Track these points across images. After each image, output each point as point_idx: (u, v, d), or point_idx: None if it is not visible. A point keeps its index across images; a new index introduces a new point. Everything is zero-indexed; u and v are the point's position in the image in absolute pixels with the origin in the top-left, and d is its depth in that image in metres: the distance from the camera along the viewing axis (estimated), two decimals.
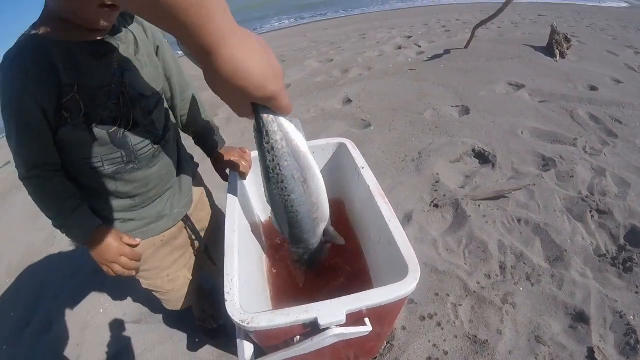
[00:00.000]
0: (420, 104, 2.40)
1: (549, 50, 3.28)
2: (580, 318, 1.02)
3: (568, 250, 1.21)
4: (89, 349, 1.18)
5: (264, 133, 0.61)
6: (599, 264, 1.18)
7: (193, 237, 0.91)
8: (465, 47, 3.63)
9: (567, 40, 3.24)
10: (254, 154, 0.92)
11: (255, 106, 0.56)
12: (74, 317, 1.32)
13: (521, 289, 1.09)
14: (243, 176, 0.89)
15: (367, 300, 0.57)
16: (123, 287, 1.38)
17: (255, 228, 0.91)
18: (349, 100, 2.64)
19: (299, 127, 0.65)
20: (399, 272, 0.62)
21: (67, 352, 1.20)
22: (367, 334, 0.59)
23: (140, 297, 1.32)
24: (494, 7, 3.91)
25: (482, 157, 1.76)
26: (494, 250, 1.20)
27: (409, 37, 4.67)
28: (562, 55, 3.16)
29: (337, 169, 1.03)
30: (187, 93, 0.82)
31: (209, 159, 0.92)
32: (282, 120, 0.62)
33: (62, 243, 1.75)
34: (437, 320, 1.02)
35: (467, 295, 1.07)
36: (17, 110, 0.59)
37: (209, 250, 1.00)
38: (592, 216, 1.36)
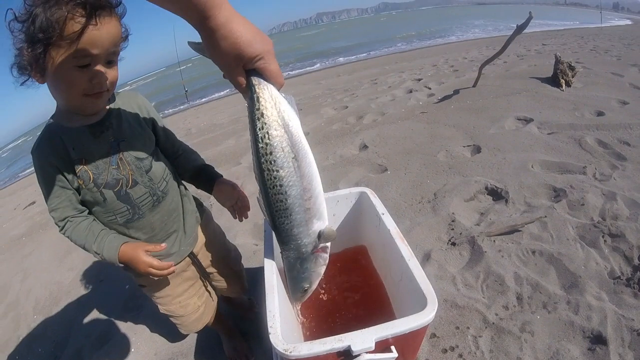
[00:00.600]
0: (433, 146, 2.59)
1: (554, 80, 3.45)
2: (598, 340, 1.10)
3: (582, 276, 1.30)
4: None
5: (255, 99, 0.65)
6: (613, 286, 1.26)
7: (200, 271, 1.11)
8: (474, 86, 3.85)
9: (572, 68, 3.40)
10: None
11: (248, 71, 0.63)
12: (104, 356, 1.50)
13: (538, 317, 1.18)
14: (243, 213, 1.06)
15: (393, 329, 0.70)
16: (153, 326, 1.57)
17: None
18: (365, 146, 2.87)
19: (292, 103, 0.69)
20: (419, 304, 0.75)
21: None
22: (394, 355, 0.73)
23: (171, 336, 1.49)
24: (497, 41, 4.17)
25: (495, 194, 1.89)
26: (510, 283, 1.31)
27: (419, 80, 4.98)
28: (568, 84, 3.31)
29: (360, 217, 1.20)
30: (175, 147, 1.02)
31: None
32: (275, 90, 0.66)
33: (91, 283, 1.98)
34: (459, 352, 1.13)
35: (486, 327, 1.18)
36: (45, 176, 0.81)
37: (212, 280, 1.18)
38: (605, 240, 1.45)
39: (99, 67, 0.73)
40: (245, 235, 2.08)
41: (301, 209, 0.71)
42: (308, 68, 13.84)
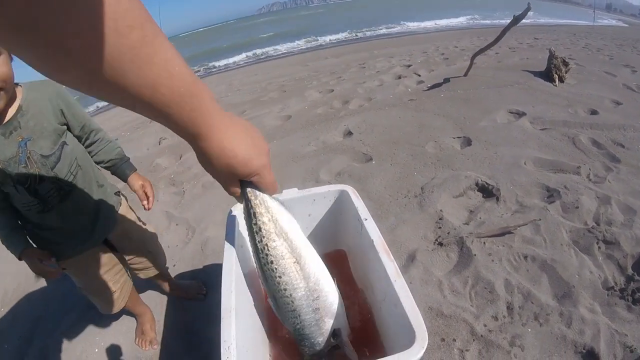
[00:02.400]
0: (421, 136, 2.49)
1: (547, 75, 3.41)
2: (590, 356, 1.04)
3: (576, 285, 1.24)
4: None
5: (252, 214, 0.66)
6: (607, 297, 1.21)
7: (117, 256, 1.20)
8: (465, 75, 3.78)
9: (565, 64, 3.37)
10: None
11: (243, 188, 0.63)
12: (68, 355, 1.39)
13: (529, 329, 1.11)
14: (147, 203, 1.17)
15: None
16: (118, 326, 1.46)
17: (255, 282, 0.93)
18: (349, 133, 2.74)
19: (284, 206, 0.70)
20: (406, 336, 0.64)
21: None
22: None
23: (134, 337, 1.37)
24: (490, 32, 4.11)
25: (486, 191, 1.82)
26: (500, 290, 1.24)
27: (409, 66, 4.86)
28: (561, 80, 3.28)
29: (339, 218, 1.06)
30: (95, 137, 1.09)
31: None
32: (270, 201, 0.67)
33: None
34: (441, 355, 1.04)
35: (474, 340, 1.10)
36: None
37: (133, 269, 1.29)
38: (599, 247, 1.40)
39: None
40: (215, 226, 1.93)
41: (309, 309, 0.72)
42: (294, 49, 13.52)
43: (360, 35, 14.16)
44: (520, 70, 3.80)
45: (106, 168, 1.16)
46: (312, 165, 2.33)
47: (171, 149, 3.24)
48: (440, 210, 1.69)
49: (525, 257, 1.36)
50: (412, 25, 15.88)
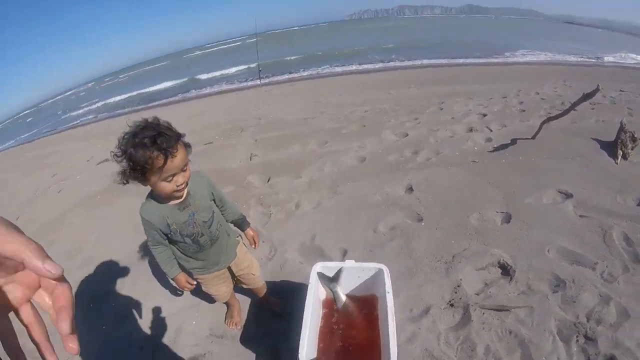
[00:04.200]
0: (470, 205, 2.93)
1: (613, 149, 3.51)
2: None
3: None
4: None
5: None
6: None
7: (231, 275, 1.93)
8: (532, 138, 4.02)
9: (634, 139, 3.43)
10: None
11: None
12: (171, 322, 2.22)
13: None
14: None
15: None
16: (212, 310, 2.20)
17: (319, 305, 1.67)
18: (411, 189, 3.28)
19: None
20: None
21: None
22: None
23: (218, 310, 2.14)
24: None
25: (505, 269, 2.26)
26: (480, 352, 1.75)
27: (484, 116, 5.15)
28: (625, 157, 3.38)
29: (376, 280, 1.69)
30: (225, 207, 1.74)
31: None
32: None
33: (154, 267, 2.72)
34: None
35: None
36: (146, 226, 1.50)
37: (240, 282, 2.00)
38: (577, 340, 1.80)
39: (177, 177, 1.34)
40: (294, 251, 2.67)
41: None
42: (383, 67, 13.91)
43: (445, 62, 14.06)
44: (589, 138, 3.92)
45: (231, 223, 1.83)
46: (374, 215, 2.94)
47: (261, 168, 4.10)
48: (461, 279, 2.20)
49: (510, 332, 1.83)
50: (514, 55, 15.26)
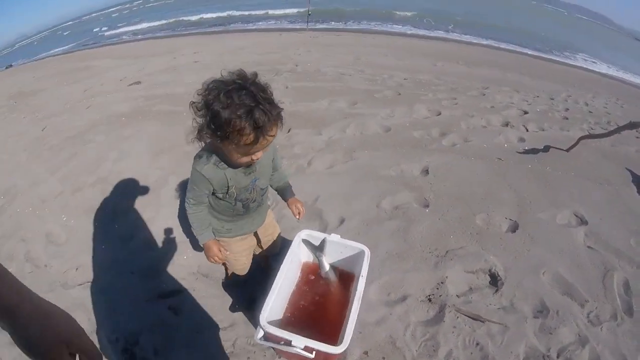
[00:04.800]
0: (481, 204, 2.69)
1: None
2: None
3: None
4: None
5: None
6: None
7: (256, 243, 1.70)
8: (567, 150, 3.60)
9: None
10: None
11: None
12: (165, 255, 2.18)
13: None
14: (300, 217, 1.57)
15: (317, 346, 1.15)
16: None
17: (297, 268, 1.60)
18: (427, 172, 3.03)
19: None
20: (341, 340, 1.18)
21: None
22: (312, 356, 1.18)
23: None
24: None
25: (494, 279, 2.09)
26: (441, 354, 1.64)
27: (525, 113, 4.64)
28: None
29: (356, 259, 1.55)
30: (277, 172, 1.52)
31: None
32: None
33: (174, 186, 2.64)
34: None
35: None
36: (195, 181, 1.26)
37: (263, 252, 1.81)
38: None
39: (258, 153, 1.12)
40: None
41: None
42: (440, 34, 12.70)
43: (502, 46, 12.70)
44: (624, 167, 3.45)
45: (275, 189, 1.59)
46: (383, 190, 2.74)
47: (286, 118, 3.86)
48: (447, 277, 2.05)
49: (477, 344, 1.71)
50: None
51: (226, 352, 1.73)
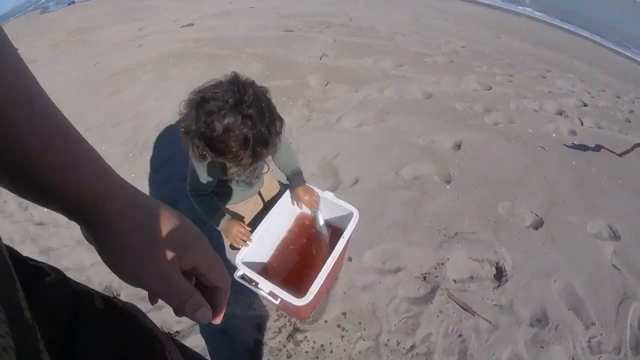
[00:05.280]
0: (509, 191, 2.27)
1: None
2: None
3: None
4: None
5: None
6: None
7: (262, 203, 1.52)
8: (619, 155, 2.97)
9: None
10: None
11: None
12: None
13: None
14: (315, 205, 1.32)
15: (281, 294, 1.04)
16: None
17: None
18: (459, 147, 2.59)
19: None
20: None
21: None
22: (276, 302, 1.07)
23: None
24: None
25: (499, 274, 1.78)
26: (418, 335, 1.43)
27: (584, 105, 3.85)
28: None
29: (344, 219, 1.33)
30: (281, 157, 1.25)
31: None
32: None
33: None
34: (346, 335, 1.41)
35: (371, 340, 1.41)
36: (198, 173, 1.07)
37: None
38: None
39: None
40: (312, 161, 2.37)
41: None
42: (516, 6, 10.78)
43: (578, 31, 10.58)
44: None
45: (283, 172, 1.31)
46: (406, 157, 2.37)
47: (325, 70, 3.43)
48: (448, 259, 1.77)
49: (459, 336, 1.47)
50: None
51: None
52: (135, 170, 2.36)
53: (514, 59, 4.84)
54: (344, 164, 2.28)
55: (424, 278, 1.67)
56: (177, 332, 1.65)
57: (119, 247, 0.31)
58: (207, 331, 1.58)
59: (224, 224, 1.15)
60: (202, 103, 0.82)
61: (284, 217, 1.37)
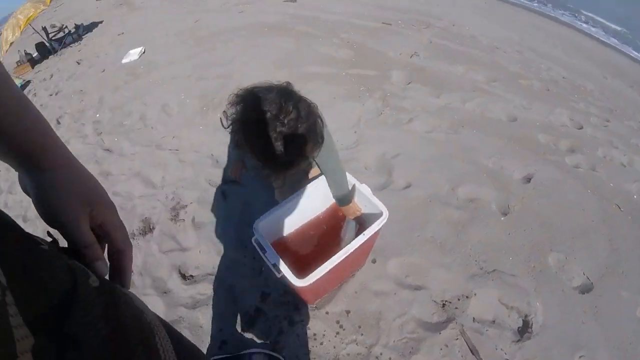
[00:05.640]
0: (566, 243, 1.94)
1: None
2: None
3: None
4: None
5: None
6: None
7: None
8: None
9: None
10: None
11: None
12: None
13: None
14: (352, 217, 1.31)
15: (283, 269, 1.03)
16: None
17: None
18: (528, 181, 2.24)
19: None
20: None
21: None
22: (278, 276, 1.00)
23: None
24: None
25: (524, 328, 1.56)
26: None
27: None
28: None
29: (375, 217, 1.28)
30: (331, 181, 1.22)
31: None
32: None
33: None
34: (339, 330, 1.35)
35: (366, 348, 1.32)
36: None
37: None
38: None
39: None
40: (369, 156, 2.28)
41: None
42: (630, 49, 8.81)
43: None
44: None
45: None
46: (469, 176, 2.13)
47: (411, 69, 3.25)
48: (475, 294, 1.59)
49: None
50: None
51: None
52: (204, 124, 2.44)
53: (615, 104, 4.04)
54: (401, 165, 2.12)
55: (443, 305, 1.53)
56: (191, 275, 1.73)
57: (47, 185, 0.37)
58: (217, 285, 1.63)
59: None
60: (245, 107, 0.82)
61: (314, 200, 1.32)
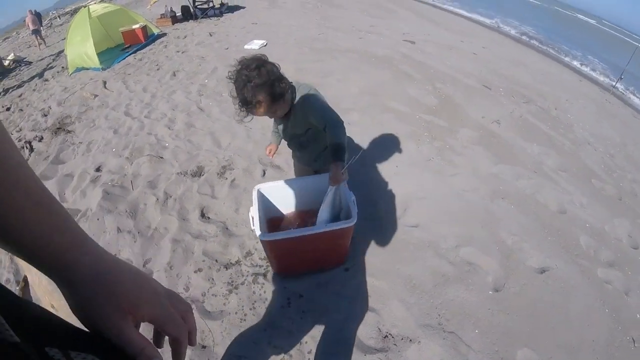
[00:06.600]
0: (550, 349, 1.79)
1: None
2: None
3: None
4: None
5: None
6: None
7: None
8: None
9: None
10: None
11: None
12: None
13: None
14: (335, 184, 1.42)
15: (255, 217, 1.58)
16: None
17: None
18: (542, 271, 2.10)
19: None
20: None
21: None
22: (252, 228, 1.42)
23: None
24: None
25: None
26: None
27: None
28: None
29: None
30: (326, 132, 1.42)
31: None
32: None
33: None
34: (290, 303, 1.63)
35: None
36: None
37: None
38: None
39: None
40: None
41: None
42: None
43: None
44: None
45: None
46: (480, 242, 2.11)
47: (486, 135, 3.10)
48: (419, 342, 1.58)
49: None
50: None
51: None
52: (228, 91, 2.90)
53: None
54: (420, 207, 2.29)
55: (385, 336, 1.57)
56: (208, 217, 2.28)
57: (77, 297, 0.32)
58: (222, 230, 2.14)
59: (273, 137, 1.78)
60: (235, 68, 1.32)
61: (318, 192, 1.52)
